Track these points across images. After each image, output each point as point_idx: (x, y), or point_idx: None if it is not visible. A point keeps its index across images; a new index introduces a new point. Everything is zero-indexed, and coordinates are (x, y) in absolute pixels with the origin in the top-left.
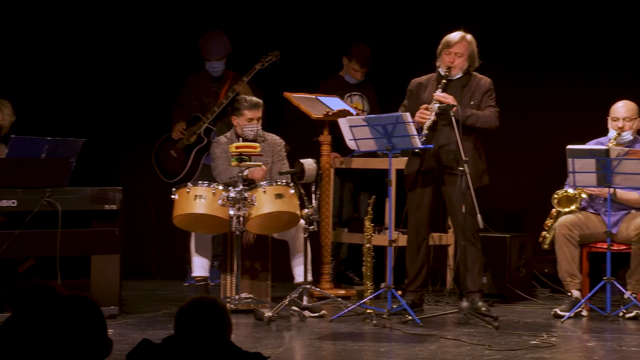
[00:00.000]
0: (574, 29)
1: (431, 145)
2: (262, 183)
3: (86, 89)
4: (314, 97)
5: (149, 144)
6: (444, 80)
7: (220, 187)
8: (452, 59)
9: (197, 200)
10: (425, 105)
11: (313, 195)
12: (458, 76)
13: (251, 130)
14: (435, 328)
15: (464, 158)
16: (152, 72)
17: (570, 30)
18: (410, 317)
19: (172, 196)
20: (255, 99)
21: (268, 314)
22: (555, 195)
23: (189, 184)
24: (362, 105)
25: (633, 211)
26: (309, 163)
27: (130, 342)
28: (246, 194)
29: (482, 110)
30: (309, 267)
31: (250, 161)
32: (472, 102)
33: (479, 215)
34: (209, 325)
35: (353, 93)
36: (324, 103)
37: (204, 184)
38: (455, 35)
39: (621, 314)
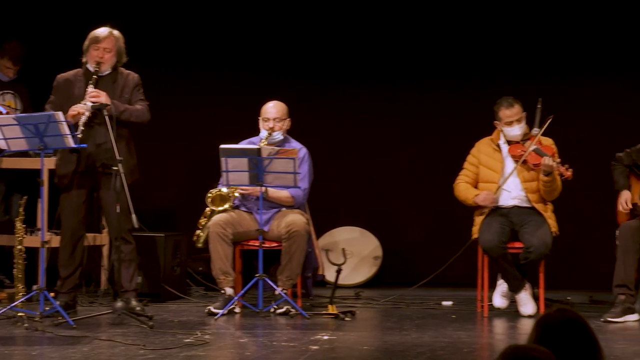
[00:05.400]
0: (220, 30)
1: (85, 145)
2: None
3: None
4: None
5: None
6: (95, 77)
7: None
8: (101, 55)
9: None
10: (77, 106)
11: None
12: (107, 72)
13: None
14: (89, 329)
15: (118, 157)
16: None
17: (216, 31)
18: (63, 319)
19: None
20: None
21: None
22: (209, 194)
23: None
24: (15, 104)
25: (284, 209)
26: None
27: None
28: None
29: (134, 105)
30: None
31: None
32: (123, 97)
33: (133, 215)
34: None
35: (6, 91)
36: None
37: None
38: (102, 31)
39: (272, 309)
